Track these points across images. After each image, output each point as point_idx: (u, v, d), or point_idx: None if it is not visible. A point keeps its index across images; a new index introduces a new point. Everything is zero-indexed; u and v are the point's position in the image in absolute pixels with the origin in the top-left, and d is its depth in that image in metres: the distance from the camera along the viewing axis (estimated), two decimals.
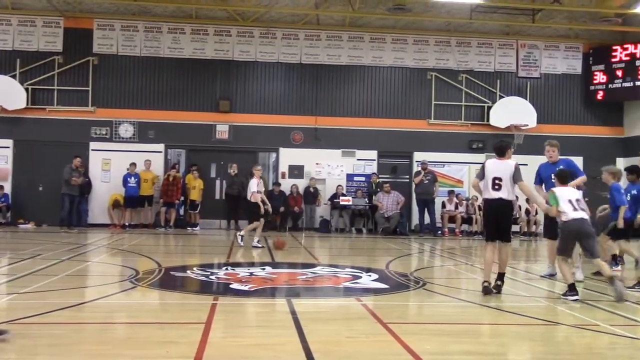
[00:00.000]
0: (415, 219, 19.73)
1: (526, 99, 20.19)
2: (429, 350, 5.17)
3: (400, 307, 7.58)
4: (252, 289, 8.12)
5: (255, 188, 13.69)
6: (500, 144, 8.44)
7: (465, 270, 11.34)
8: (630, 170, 12.08)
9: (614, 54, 20.03)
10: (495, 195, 8.02)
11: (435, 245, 16.23)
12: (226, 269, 10.10)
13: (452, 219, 19.34)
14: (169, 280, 8.98)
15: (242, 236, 13.83)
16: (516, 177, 8.04)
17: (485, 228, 8.74)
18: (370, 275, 9.64)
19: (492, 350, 5.55)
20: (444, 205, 19.45)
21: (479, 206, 19.34)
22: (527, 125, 19.77)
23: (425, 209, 18.82)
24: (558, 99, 20.59)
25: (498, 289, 8.12)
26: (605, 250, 10.33)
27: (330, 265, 11.02)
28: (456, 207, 19.49)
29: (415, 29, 20.18)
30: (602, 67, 20.25)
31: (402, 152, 20.15)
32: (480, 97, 20.32)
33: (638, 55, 19.55)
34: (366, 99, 20.09)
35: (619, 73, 19.93)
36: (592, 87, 20.45)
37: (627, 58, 19.77)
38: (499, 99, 20.20)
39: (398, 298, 8.14)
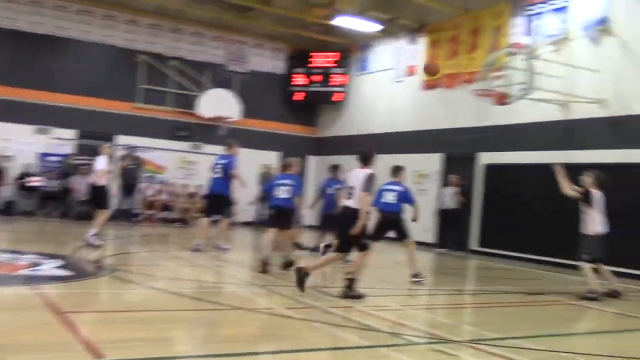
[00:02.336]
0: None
1: (233, 93, 20.81)
2: (105, 339, 4.97)
3: (83, 295, 7.18)
4: None
5: (106, 167, 11.51)
6: (362, 151, 7.87)
7: (159, 258, 11.27)
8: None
9: (312, 59, 21.75)
10: (344, 203, 7.66)
11: (132, 231, 15.83)
12: None
13: (150, 206, 19.07)
14: None
15: (96, 235, 11.24)
16: (361, 187, 7.53)
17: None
18: (54, 262, 8.99)
19: (169, 335, 5.56)
20: (143, 192, 19.08)
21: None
22: (232, 117, 20.41)
23: (128, 194, 18.36)
24: (262, 96, 21.58)
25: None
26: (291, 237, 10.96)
27: (11, 252, 10.01)
28: (156, 194, 19.27)
29: (126, 8, 19.40)
30: (302, 70, 21.83)
31: (104, 134, 19.17)
32: (188, 85, 20.38)
33: (331, 64, 21.53)
34: (68, 73, 18.68)
35: (316, 78, 21.70)
36: (292, 89, 21.92)
37: (323, 65, 21.63)
38: (207, 89, 20.49)
39: (82, 286, 7.72)
